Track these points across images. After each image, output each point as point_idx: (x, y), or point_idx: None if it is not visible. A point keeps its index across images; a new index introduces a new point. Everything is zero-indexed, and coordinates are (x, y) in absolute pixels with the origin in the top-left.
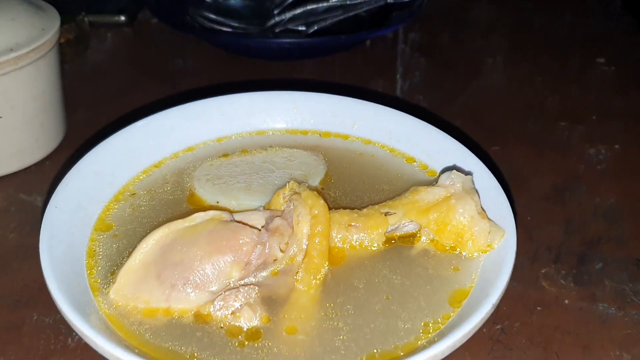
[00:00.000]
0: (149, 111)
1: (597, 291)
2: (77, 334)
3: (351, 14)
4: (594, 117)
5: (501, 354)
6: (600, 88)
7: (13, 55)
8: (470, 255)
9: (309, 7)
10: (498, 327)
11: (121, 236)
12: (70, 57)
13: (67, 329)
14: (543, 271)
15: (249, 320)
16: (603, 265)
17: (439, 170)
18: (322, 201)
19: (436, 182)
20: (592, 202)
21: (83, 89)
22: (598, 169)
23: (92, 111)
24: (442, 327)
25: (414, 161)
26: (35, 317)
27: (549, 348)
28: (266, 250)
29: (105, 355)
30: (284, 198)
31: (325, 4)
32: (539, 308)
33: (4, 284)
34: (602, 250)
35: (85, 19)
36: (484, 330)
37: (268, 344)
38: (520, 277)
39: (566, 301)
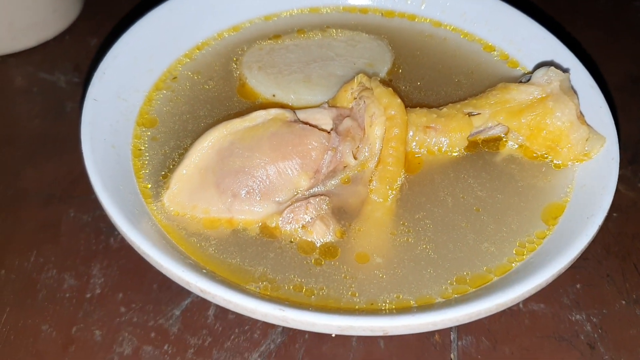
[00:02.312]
0: None
1: None
2: (119, 233)
3: None
4: None
5: (577, 264)
6: None
7: None
8: (564, 164)
9: None
10: None
11: (169, 133)
12: None
13: (107, 228)
14: (619, 173)
15: (322, 235)
16: None
17: (522, 61)
18: (398, 100)
19: (527, 80)
20: None
21: None
22: None
23: None
24: (537, 248)
25: (494, 50)
26: (72, 214)
27: (628, 258)
28: (337, 157)
29: (167, 274)
30: (352, 94)
31: None
32: (615, 214)
33: (31, 177)
34: None
35: None
36: None
37: (347, 262)
38: None
39: None
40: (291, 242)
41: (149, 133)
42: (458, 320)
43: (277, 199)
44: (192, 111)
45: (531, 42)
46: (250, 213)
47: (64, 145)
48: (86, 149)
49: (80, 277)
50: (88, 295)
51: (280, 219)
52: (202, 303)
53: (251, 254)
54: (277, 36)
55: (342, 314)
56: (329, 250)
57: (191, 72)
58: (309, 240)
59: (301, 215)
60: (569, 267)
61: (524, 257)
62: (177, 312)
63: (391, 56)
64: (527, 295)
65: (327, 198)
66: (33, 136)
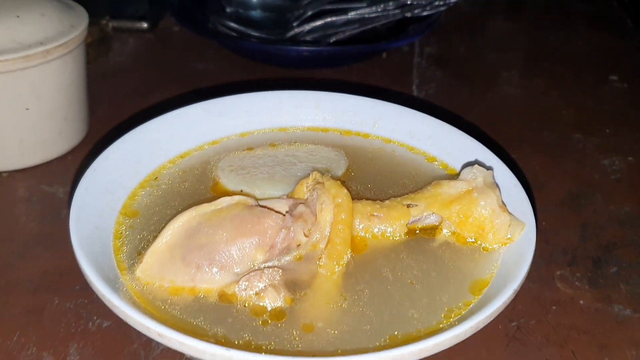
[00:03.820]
0: (172, 108)
1: (613, 294)
2: (97, 318)
3: (369, 26)
4: (607, 130)
5: (517, 349)
6: (614, 102)
7: (42, 48)
8: (490, 247)
9: (328, 19)
10: (514, 324)
11: (147, 221)
12: (93, 57)
13: (87, 314)
14: (558, 273)
15: (273, 300)
16: (618, 269)
17: (459, 169)
18: (345, 190)
19: (458, 177)
20: (607, 209)
21: (105, 88)
22: (612, 178)
23: (114, 109)
24: (463, 312)
25: (435, 160)
26: (56, 302)
27: (565, 346)
28: (290, 235)
29: (135, 326)
30: (307, 187)
31: (343, 17)
32: (554, 307)
33: (24, 269)
34: (617, 254)
35: (109, 23)
36: (500, 327)
37: (292, 325)
38: (536, 278)
39: (582, 302)
40: (245, 306)
41: (130, 221)
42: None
43: (235, 270)
44: (168, 203)
45: (467, 152)
46: (210, 282)
47: (55, 243)
48: (72, 226)
49: (58, 354)
50: None
51: (237, 286)
52: None
53: (210, 316)
54: (250, 148)
55: (283, 356)
56: (278, 314)
57: (172, 175)
58: (261, 304)
59: (255, 283)
60: (511, 355)
61: (451, 319)
62: None
63: (346, 163)
64: (448, 344)
65: (280, 270)
66: (28, 235)
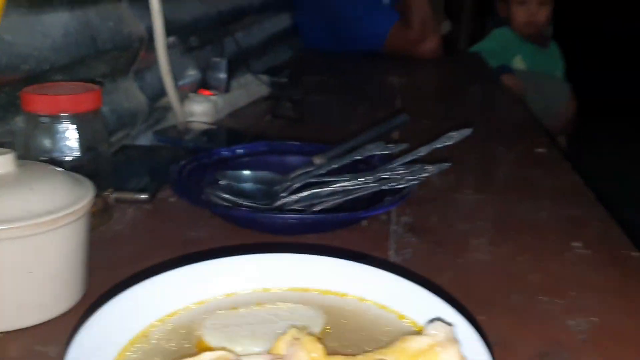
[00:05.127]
0: (163, 271)
1: None
2: None
3: (350, 197)
4: (572, 293)
5: None
6: (577, 267)
7: (51, 217)
8: None
9: (313, 190)
10: None
11: None
12: (95, 225)
13: None
14: None
15: None
16: None
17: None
18: (320, 346)
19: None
20: None
21: (104, 254)
22: (578, 338)
23: (111, 273)
24: None
25: (405, 318)
26: None
27: None
28: None
29: None
30: (285, 343)
31: (327, 189)
32: None
33: None
34: None
35: (112, 195)
36: None
37: None
38: None
39: None
40: None
41: None
42: None
43: None
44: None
45: (434, 312)
46: None
47: None
48: None
49: None
50: None
51: None
52: None
53: None
54: (234, 307)
55: None
56: None
57: (161, 332)
58: None
59: None
60: None
61: None
62: None
63: (323, 321)
64: None
65: None
66: None
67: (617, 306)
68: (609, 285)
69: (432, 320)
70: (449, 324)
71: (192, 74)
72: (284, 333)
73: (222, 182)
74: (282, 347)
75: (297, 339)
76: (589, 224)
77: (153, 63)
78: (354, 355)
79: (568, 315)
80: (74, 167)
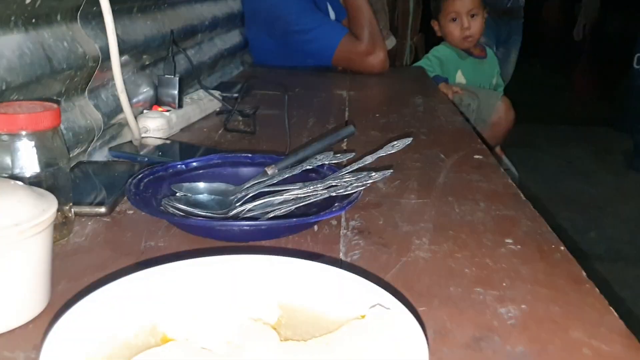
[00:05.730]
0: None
1: None
2: None
3: (302, 204)
4: (504, 284)
5: None
6: (509, 261)
7: (17, 229)
8: None
9: (267, 199)
10: None
11: None
12: (56, 239)
13: None
14: None
15: None
16: None
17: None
18: (274, 333)
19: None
20: (504, 349)
21: (65, 265)
22: (508, 323)
23: (73, 283)
24: None
25: (351, 308)
26: None
27: None
28: None
29: None
30: (242, 330)
31: (280, 197)
32: None
33: None
34: None
35: (71, 209)
36: None
37: None
38: None
39: None
40: None
41: None
42: None
43: None
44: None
45: (376, 300)
46: None
47: None
48: None
49: None
50: None
51: None
52: None
53: None
54: (195, 306)
55: None
56: None
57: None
58: None
59: None
60: None
61: None
62: None
63: (278, 313)
64: None
65: None
66: None
67: (544, 295)
68: (537, 277)
69: (372, 307)
70: (387, 308)
71: (146, 90)
72: (241, 323)
73: (179, 194)
74: (239, 335)
75: (253, 327)
76: (520, 223)
77: (108, 81)
78: (305, 340)
79: (500, 304)
80: (34, 183)
